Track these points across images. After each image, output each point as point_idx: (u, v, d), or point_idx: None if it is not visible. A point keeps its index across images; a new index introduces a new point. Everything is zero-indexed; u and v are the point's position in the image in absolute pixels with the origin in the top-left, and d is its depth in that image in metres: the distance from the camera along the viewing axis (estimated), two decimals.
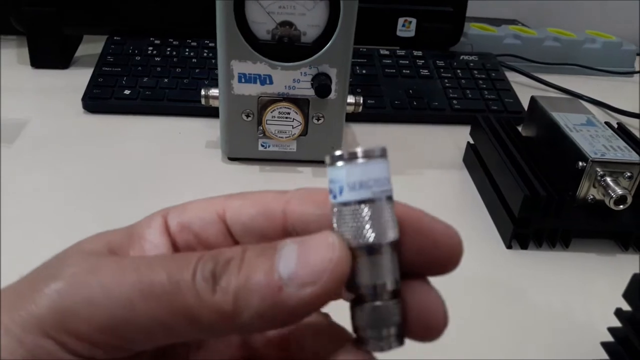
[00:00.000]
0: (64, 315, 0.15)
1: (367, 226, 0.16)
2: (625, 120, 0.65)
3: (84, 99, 0.58)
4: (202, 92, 0.49)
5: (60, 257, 0.17)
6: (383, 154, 0.16)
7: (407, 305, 0.17)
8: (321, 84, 0.45)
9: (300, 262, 0.16)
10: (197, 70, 0.62)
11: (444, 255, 0.18)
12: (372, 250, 0.16)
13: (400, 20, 0.71)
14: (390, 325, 0.17)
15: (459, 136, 0.56)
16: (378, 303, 0.16)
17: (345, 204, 0.16)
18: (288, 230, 0.19)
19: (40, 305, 0.15)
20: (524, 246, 0.42)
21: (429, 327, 0.18)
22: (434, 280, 0.19)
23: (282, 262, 0.16)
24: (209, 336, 0.17)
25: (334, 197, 0.16)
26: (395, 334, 0.17)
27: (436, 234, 0.18)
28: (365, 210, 0.16)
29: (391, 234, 0.16)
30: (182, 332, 0.16)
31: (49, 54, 0.66)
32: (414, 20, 0.71)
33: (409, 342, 0.18)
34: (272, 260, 0.16)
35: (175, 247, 0.19)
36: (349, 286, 0.17)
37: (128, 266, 0.16)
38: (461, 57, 0.71)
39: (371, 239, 0.16)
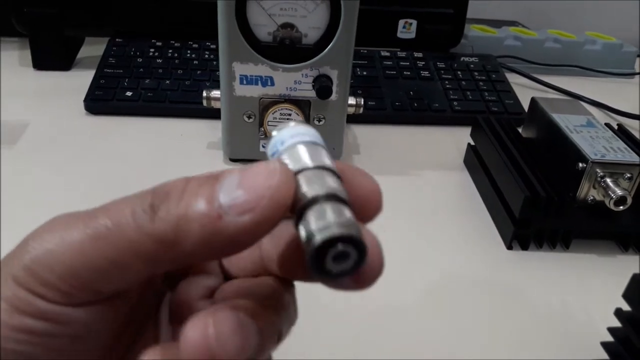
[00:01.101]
0: (30, 267, 0.16)
1: (305, 157, 0.17)
2: (625, 121, 0.65)
3: (85, 100, 0.58)
4: (204, 94, 0.49)
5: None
6: (305, 123, 0.18)
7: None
8: (322, 86, 0.45)
9: (240, 190, 0.16)
10: (198, 72, 0.63)
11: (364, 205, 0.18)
12: (309, 171, 0.16)
13: (401, 22, 0.71)
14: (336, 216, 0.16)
15: (460, 137, 0.56)
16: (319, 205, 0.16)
17: (285, 150, 0.17)
18: None
19: (12, 262, 0.17)
20: (524, 247, 0.43)
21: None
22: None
23: (222, 191, 0.16)
24: (158, 268, 0.17)
25: (277, 151, 0.17)
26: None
27: (362, 187, 0.18)
28: (301, 148, 0.17)
29: (326, 161, 0.17)
30: (133, 267, 0.16)
31: (51, 56, 0.66)
32: (414, 22, 0.71)
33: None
34: (213, 189, 0.16)
35: None
36: (293, 209, 0.16)
37: (80, 216, 0.17)
38: (462, 59, 0.71)
39: (309, 164, 0.16)
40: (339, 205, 0.16)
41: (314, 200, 0.16)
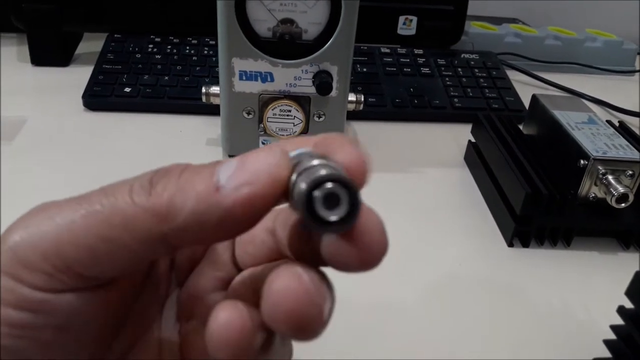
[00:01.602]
0: (14, 250, 0.16)
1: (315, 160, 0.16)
2: (625, 118, 0.65)
3: (84, 96, 0.57)
4: (203, 90, 0.48)
5: None
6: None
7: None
8: (322, 82, 0.45)
9: (240, 166, 0.16)
10: (197, 68, 0.62)
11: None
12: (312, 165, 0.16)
13: (401, 19, 0.71)
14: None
15: (460, 134, 0.56)
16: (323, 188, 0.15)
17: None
18: None
19: (2, 247, 0.16)
20: (525, 244, 0.42)
21: (368, 253, 0.16)
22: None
23: (222, 169, 0.16)
24: (151, 248, 0.16)
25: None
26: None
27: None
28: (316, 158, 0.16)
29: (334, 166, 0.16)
30: (124, 246, 0.16)
31: (49, 52, 0.66)
32: (414, 19, 0.71)
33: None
34: (213, 168, 0.16)
35: None
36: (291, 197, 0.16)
37: (72, 200, 0.17)
38: (462, 56, 0.71)
39: (315, 162, 0.16)
40: (329, 166, 0.16)
41: (305, 169, 0.16)
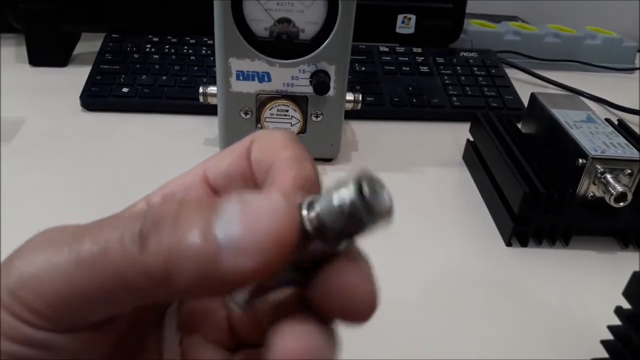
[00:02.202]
0: (14, 290, 0.15)
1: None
2: (625, 116, 0.65)
3: (82, 96, 0.57)
4: (201, 90, 0.48)
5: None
6: None
7: (326, 286, 0.16)
8: (320, 81, 0.45)
9: (241, 226, 0.14)
10: (195, 68, 0.62)
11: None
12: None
13: (400, 17, 0.70)
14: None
15: (459, 133, 0.56)
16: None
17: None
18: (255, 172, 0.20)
19: (3, 284, 0.16)
20: (523, 244, 0.42)
21: (354, 309, 0.16)
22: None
23: (220, 223, 0.14)
24: (148, 301, 0.16)
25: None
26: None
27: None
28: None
29: None
30: (120, 298, 0.15)
31: (47, 52, 0.66)
32: (413, 17, 0.71)
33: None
34: (209, 221, 0.14)
35: None
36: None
37: (67, 237, 0.16)
38: (461, 54, 0.70)
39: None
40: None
41: (318, 198, 0.15)
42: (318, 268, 0.16)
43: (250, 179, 0.20)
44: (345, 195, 0.15)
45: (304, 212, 0.15)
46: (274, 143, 0.19)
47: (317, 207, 0.15)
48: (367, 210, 0.14)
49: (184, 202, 0.15)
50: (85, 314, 0.16)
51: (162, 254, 0.14)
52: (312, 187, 0.18)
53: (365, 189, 0.15)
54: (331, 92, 0.46)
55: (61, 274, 0.15)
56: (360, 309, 0.16)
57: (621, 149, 0.41)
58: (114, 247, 0.15)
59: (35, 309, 0.15)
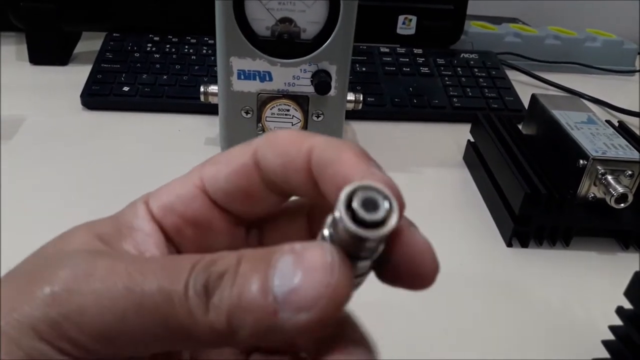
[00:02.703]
0: (57, 322, 0.15)
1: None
2: (625, 119, 0.65)
3: (82, 95, 0.57)
4: (202, 89, 0.48)
5: (54, 257, 0.17)
6: None
7: (395, 253, 0.16)
8: (321, 81, 0.45)
9: (296, 282, 0.14)
10: (196, 67, 0.62)
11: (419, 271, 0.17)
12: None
13: (401, 18, 0.71)
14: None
15: (459, 134, 0.56)
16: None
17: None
18: (265, 180, 0.18)
19: (35, 309, 0.15)
20: (524, 244, 0.42)
21: (418, 274, 0.17)
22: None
23: (277, 279, 0.14)
24: (205, 348, 0.16)
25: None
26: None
27: (415, 247, 0.17)
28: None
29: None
30: (176, 345, 0.15)
31: (48, 51, 0.66)
32: (414, 18, 0.71)
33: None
34: (267, 276, 0.15)
35: (165, 233, 0.19)
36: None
37: (121, 271, 0.15)
38: (462, 55, 0.70)
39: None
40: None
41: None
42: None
43: (257, 189, 0.19)
44: (337, 215, 0.15)
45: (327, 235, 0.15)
46: (295, 143, 0.18)
47: (332, 232, 0.15)
48: (362, 227, 0.14)
49: (242, 254, 0.15)
50: (126, 352, 0.16)
51: (225, 310, 0.15)
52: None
53: (355, 204, 0.14)
54: (332, 92, 0.46)
55: (115, 314, 0.15)
56: (428, 272, 0.17)
57: (622, 150, 0.41)
58: (180, 299, 0.15)
59: (77, 341, 0.15)
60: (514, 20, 0.90)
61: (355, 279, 0.16)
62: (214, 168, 0.19)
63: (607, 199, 0.40)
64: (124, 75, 0.60)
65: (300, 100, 0.46)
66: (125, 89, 0.58)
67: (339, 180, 0.16)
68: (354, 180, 0.15)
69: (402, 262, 0.17)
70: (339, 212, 0.15)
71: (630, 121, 0.64)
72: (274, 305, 0.14)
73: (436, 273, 0.17)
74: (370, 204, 0.15)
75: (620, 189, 0.39)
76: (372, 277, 0.19)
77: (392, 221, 0.15)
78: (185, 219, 0.19)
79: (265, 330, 0.15)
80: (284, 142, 0.18)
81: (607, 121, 0.47)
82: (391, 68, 0.66)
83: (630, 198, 0.40)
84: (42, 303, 0.15)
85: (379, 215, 0.15)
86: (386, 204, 0.15)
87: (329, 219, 0.16)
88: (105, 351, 0.15)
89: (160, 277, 0.15)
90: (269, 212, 0.20)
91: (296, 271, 0.14)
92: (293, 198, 0.20)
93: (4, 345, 0.15)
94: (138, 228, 0.19)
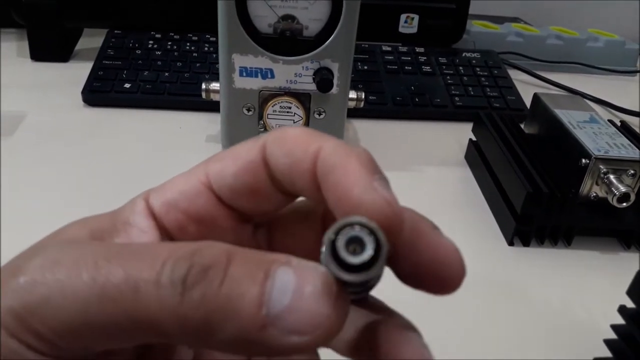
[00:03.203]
0: (23, 315, 0.14)
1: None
2: (627, 119, 0.65)
3: (83, 92, 0.57)
4: (203, 86, 0.48)
5: (33, 247, 0.16)
6: None
7: (418, 257, 0.16)
8: (323, 79, 0.44)
9: (294, 305, 0.13)
10: (197, 65, 0.62)
11: (444, 274, 0.17)
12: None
13: (403, 17, 0.70)
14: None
15: (461, 133, 0.56)
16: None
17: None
18: (272, 178, 0.18)
19: (5, 302, 0.14)
20: (526, 243, 0.42)
21: (444, 278, 0.17)
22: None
23: (274, 294, 0.14)
24: (176, 343, 0.15)
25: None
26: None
27: (439, 250, 0.17)
28: None
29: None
30: (144, 337, 0.14)
31: (49, 47, 0.66)
32: (416, 17, 0.71)
33: None
34: (263, 289, 0.14)
35: (164, 230, 0.18)
36: None
37: (87, 259, 0.14)
38: (463, 54, 0.70)
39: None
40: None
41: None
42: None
43: (264, 186, 0.18)
44: (322, 258, 0.14)
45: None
46: (305, 143, 0.17)
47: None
48: (346, 271, 0.14)
49: (233, 252, 0.14)
50: (95, 345, 0.15)
51: (204, 309, 0.13)
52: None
53: (340, 246, 0.14)
54: (334, 90, 0.46)
55: (77, 304, 0.14)
56: (454, 277, 0.17)
57: (624, 149, 0.41)
58: (148, 289, 0.14)
59: (42, 335, 0.14)
60: (516, 19, 0.90)
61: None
62: (220, 164, 0.18)
63: (609, 199, 0.40)
64: (125, 72, 0.60)
65: (302, 98, 0.46)
66: (127, 85, 0.58)
67: (339, 191, 0.15)
68: (353, 193, 0.15)
69: (427, 266, 0.16)
70: (324, 255, 0.14)
71: (632, 121, 0.64)
72: (264, 320, 0.13)
73: (462, 277, 0.16)
74: (356, 243, 0.14)
75: (623, 189, 0.39)
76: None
77: (379, 264, 0.14)
78: (189, 215, 0.18)
79: (246, 340, 0.14)
80: (292, 141, 0.17)
81: (610, 121, 0.47)
82: (393, 66, 0.66)
83: (633, 197, 0.40)
84: (9, 295, 0.14)
85: (363, 257, 0.14)
86: (371, 245, 0.14)
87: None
88: (72, 345, 0.15)
89: (129, 264, 0.14)
90: (276, 210, 0.19)
91: (296, 291, 0.14)
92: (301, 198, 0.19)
93: None
94: (134, 224, 0.18)
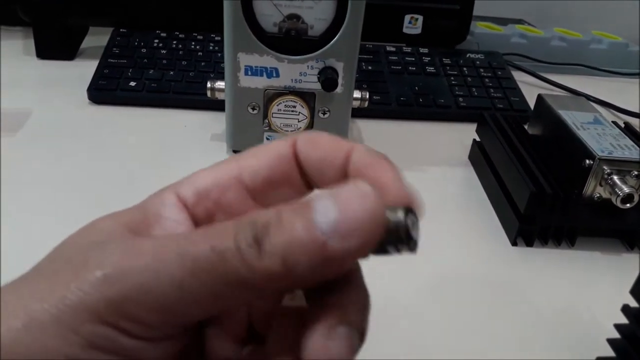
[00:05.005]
0: (118, 302, 0.15)
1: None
2: (631, 121, 0.65)
3: (89, 90, 0.57)
4: (208, 85, 0.48)
5: (91, 245, 0.17)
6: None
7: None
8: (328, 78, 0.45)
9: (339, 214, 0.16)
10: (202, 64, 0.62)
11: None
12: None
13: (407, 17, 0.71)
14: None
15: (465, 133, 0.56)
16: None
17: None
18: (301, 170, 0.20)
19: (89, 294, 0.15)
20: (529, 243, 0.42)
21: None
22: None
23: (319, 217, 0.16)
24: (264, 295, 0.18)
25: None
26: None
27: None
28: None
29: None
30: (236, 299, 0.16)
31: (55, 45, 0.66)
32: (420, 18, 0.71)
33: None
34: (310, 216, 0.16)
35: (195, 221, 0.19)
36: None
37: (169, 244, 0.16)
38: (467, 55, 0.70)
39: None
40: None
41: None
42: None
43: (293, 177, 0.20)
44: (394, 217, 0.17)
45: None
46: (337, 147, 0.20)
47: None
48: (406, 234, 0.17)
49: (279, 208, 0.16)
50: (187, 318, 0.17)
51: (278, 254, 0.15)
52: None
53: (409, 220, 0.17)
54: (339, 89, 0.46)
55: (172, 283, 0.16)
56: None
57: (628, 150, 0.41)
58: (233, 253, 0.16)
59: (139, 318, 0.16)
60: (519, 21, 0.90)
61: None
62: (253, 159, 0.20)
63: (613, 199, 0.40)
64: (130, 70, 0.60)
65: (307, 97, 0.46)
66: (132, 84, 0.58)
67: (380, 185, 0.18)
68: (391, 187, 0.18)
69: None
70: (399, 215, 0.17)
71: (636, 123, 0.64)
72: (322, 238, 0.15)
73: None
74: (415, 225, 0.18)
75: (626, 189, 0.39)
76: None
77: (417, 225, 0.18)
78: (220, 205, 0.20)
79: (319, 262, 0.15)
80: (325, 140, 0.20)
81: (613, 122, 0.47)
82: (397, 67, 0.66)
83: (636, 198, 0.40)
84: (98, 287, 0.16)
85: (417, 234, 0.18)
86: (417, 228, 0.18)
87: None
88: (166, 323, 0.16)
89: (210, 239, 0.16)
90: None
91: (336, 206, 0.16)
92: None
93: (61, 332, 0.15)
94: (166, 216, 0.19)
